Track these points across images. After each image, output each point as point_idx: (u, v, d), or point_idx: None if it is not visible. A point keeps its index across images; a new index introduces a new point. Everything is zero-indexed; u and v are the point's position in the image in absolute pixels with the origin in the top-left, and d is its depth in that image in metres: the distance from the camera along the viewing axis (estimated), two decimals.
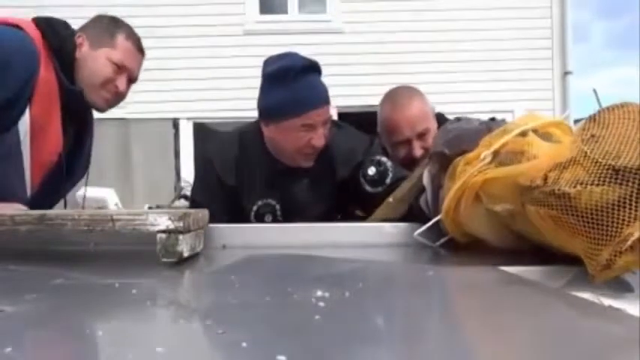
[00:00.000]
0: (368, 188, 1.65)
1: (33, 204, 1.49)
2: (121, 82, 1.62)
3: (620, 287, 0.83)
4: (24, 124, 1.50)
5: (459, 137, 1.19)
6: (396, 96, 1.84)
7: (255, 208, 1.70)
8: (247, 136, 1.75)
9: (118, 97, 1.64)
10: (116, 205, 5.05)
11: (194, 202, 1.78)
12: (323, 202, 1.75)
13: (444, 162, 1.19)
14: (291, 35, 7.04)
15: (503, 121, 1.18)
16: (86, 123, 1.76)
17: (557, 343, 0.54)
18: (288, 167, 1.70)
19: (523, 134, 1.04)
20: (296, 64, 1.63)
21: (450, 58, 7.05)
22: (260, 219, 1.69)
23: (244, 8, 7.29)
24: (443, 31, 7.15)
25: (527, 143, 1.01)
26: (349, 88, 6.72)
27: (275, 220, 1.69)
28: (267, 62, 1.67)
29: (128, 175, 6.90)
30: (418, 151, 1.74)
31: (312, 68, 1.64)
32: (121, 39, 1.62)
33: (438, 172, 1.23)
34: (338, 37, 7.27)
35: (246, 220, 1.69)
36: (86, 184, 1.85)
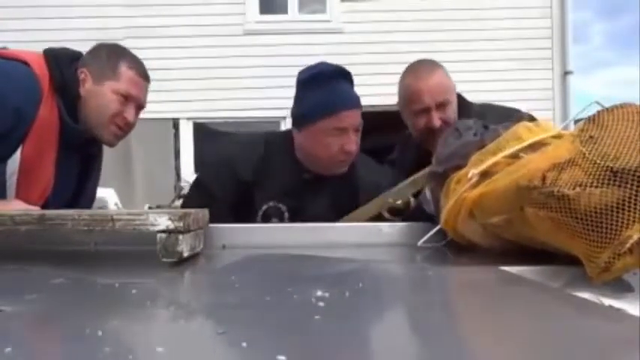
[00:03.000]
0: (387, 216, 1.62)
1: None
2: (130, 113, 1.59)
3: (620, 287, 0.83)
4: (13, 163, 1.46)
5: (452, 154, 1.20)
6: (418, 66, 1.85)
7: (264, 207, 1.69)
8: (275, 140, 1.77)
9: (128, 128, 1.62)
10: (116, 205, 5.05)
11: (189, 199, 1.77)
12: (330, 221, 1.71)
13: (439, 180, 1.20)
14: (291, 35, 7.04)
15: (496, 130, 1.17)
16: (94, 159, 1.73)
17: (557, 343, 0.54)
18: (312, 178, 1.70)
19: (515, 156, 1.03)
20: (327, 70, 1.67)
21: (449, 58, 7.02)
22: (266, 220, 1.69)
23: (244, 8, 7.29)
24: (443, 31, 7.15)
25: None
26: None
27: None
28: (301, 72, 1.71)
29: (128, 175, 6.89)
30: (437, 122, 1.73)
31: (343, 75, 1.68)
32: (124, 69, 1.58)
33: (436, 188, 1.24)
34: (338, 37, 7.27)
35: (253, 218, 1.68)
36: None
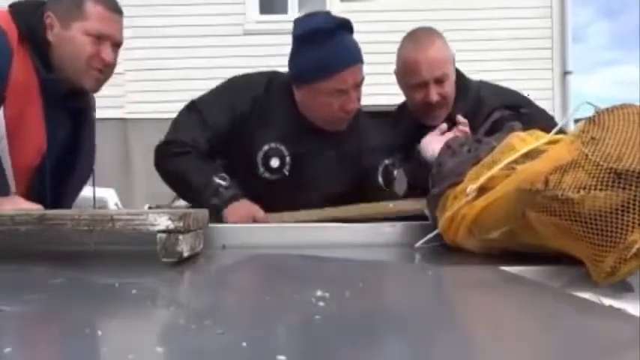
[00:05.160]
0: (381, 182, 1.61)
1: None
2: (106, 53, 1.46)
3: (620, 287, 0.83)
4: None
5: (448, 173, 1.20)
6: (418, 36, 1.78)
7: (265, 147, 1.62)
8: (277, 84, 1.68)
9: (108, 70, 1.50)
10: (116, 205, 5.05)
11: (177, 122, 1.72)
12: (334, 177, 1.67)
13: (437, 201, 1.21)
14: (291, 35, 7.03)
15: (489, 143, 1.17)
16: (84, 112, 1.62)
17: (558, 343, 0.54)
18: (314, 128, 1.65)
19: (511, 168, 1.03)
20: (324, 25, 1.59)
21: None
22: (266, 162, 1.63)
23: (244, 8, 7.28)
24: (442, 31, 7.14)
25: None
26: None
27: (282, 168, 1.63)
28: (297, 22, 1.63)
29: (128, 175, 6.89)
30: (434, 97, 1.68)
31: (342, 27, 1.60)
32: (90, 6, 1.44)
33: (434, 211, 1.24)
34: None
35: (253, 161, 1.62)
36: (94, 185, 1.77)
